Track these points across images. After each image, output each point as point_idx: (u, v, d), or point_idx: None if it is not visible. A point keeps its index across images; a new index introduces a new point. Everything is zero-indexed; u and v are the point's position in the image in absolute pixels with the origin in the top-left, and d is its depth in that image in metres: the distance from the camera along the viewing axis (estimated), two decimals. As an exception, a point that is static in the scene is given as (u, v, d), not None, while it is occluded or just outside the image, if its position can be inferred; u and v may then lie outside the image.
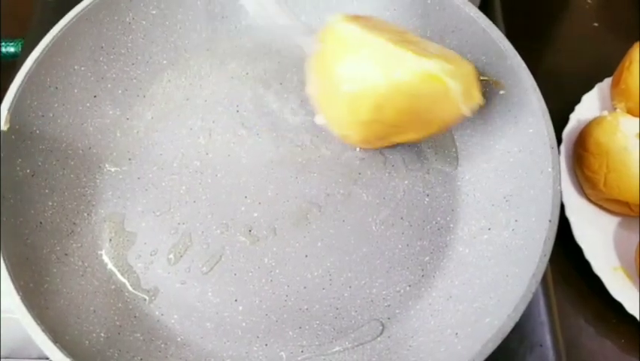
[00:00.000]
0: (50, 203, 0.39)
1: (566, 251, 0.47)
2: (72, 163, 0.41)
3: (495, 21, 0.42)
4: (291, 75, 0.46)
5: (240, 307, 0.37)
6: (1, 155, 0.36)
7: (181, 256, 0.39)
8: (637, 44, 0.51)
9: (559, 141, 0.48)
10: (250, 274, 0.38)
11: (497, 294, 0.35)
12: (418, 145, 0.43)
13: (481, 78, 0.40)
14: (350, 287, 0.38)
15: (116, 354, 0.34)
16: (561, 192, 0.43)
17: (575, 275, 0.47)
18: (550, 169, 0.36)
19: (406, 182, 0.42)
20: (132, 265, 0.38)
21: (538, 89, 0.38)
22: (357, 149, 0.43)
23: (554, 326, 0.42)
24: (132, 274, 0.38)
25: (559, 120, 0.49)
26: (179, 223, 0.40)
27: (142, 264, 0.38)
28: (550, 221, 0.34)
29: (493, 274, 0.36)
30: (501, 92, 0.40)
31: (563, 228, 0.44)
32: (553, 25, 0.63)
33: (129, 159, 0.42)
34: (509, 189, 0.39)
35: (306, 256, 0.39)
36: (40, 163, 0.39)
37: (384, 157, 0.43)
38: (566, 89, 0.53)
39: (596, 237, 0.47)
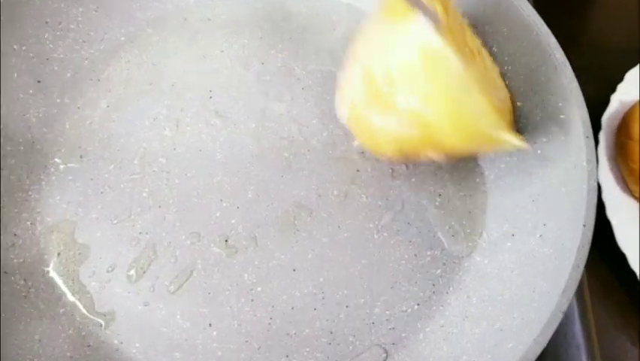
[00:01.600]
0: (-14, 210, 0.38)
1: (606, 259, 0.47)
2: (12, 162, 0.40)
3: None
4: (276, 53, 0.45)
5: (215, 333, 0.37)
6: None
7: (144, 273, 0.39)
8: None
9: (597, 127, 0.48)
10: (227, 292, 0.38)
11: (522, 313, 0.35)
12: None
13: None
14: (347, 307, 0.38)
15: (67, 391, 0.34)
16: (599, 189, 0.43)
17: (616, 288, 0.47)
18: (584, 162, 0.36)
19: (414, 180, 0.42)
20: (85, 284, 0.38)
21: (569, 66, 0.38)
22: (357, 141, 0.43)
23: (592, 350, 0.42)
24: (85, 295, 0.38)
25: (597, 103, 0.49)
26: (140, 233, 0.40)
27: (97, 282, 0.38)
28: (584, 225, 0.34)
29: (518, 288, 0.36)
30: (518, 104, 0.41)
31: (603, 232, 0.44)
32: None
33: (80, 156, 0.42)
34: (536, 187, 0.39)
35: (294, 270, 0.39)
36: (-28, 162, 0.39)
37: (387, 150, 0.43)
38: (606, 66, 0.52)
39: (643, 242, 0.47)
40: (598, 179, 0.48)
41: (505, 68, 0.42)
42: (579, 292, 0.43)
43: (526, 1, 0.40)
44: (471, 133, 0.34)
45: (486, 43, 0.42)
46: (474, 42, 0.39)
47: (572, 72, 0.38)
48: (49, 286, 0.38)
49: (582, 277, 0.42)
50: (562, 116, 0.38)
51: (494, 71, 0.40)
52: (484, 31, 0.43)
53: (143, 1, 0.46)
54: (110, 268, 0.39)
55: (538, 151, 0.39)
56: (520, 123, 0.41)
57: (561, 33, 0.40)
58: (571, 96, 0.37)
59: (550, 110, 0.39)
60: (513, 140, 0.34)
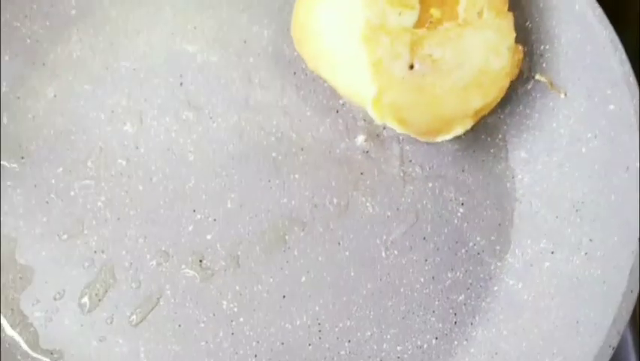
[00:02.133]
0: None
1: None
2: (-63, 165, 0.41)
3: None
4: (261, 29, 0.46)
5: (188, 374, 0.38)
6: None
7: (99, 301, 0.39)
8: None
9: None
10: (201, 324, 0.38)
11: (563, 349, 0.35)
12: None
13: (537, 78, 0.42)
14: (349, 342, 0.39)
15: None
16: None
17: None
18: (638, 164, 0.36)
19: (430, 185, 0.42)
20: (27, 315, 0.38)
21: (620, 45, 0.38)
22: (361, 138, 0.43)
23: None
24: (27, 328, 0.38)
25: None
26: (95, 252, 0.40)
27: (42, 313, 0.38)
28: (639, 241, 0.34)
29: (558, 319, 0.37)
30: (562, 95, 0.41)
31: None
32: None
33: (22, 158, 0.42)
34: (580, 195, 0.39)
35: (284, 296, 0.39)
36: None
37: (399, 148, 0.43)
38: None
39: None
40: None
41: (542, 47, 0.42)
42: (632, 324, 0.43)
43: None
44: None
45: (517, 18, 0.43)
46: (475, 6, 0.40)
47: (624, 52, 0.38)
48: (-17, 318, 0.38)
49: (637, 303, 0.43)
50: (611, 107, 0.38)
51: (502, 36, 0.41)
52: (516, 3, 0.43)
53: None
54: (58, 295, 0.39)
55: (583, 150, 0.40)
56: (560, 115, 0.41)
57: (611, 5, 0.41)
58: (622, 82, 0.38)
59: (596, 99, 0.39)
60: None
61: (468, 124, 0.40)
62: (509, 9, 0.40)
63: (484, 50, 0.39)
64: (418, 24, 0.39)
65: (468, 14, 0.39)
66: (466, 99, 0.39)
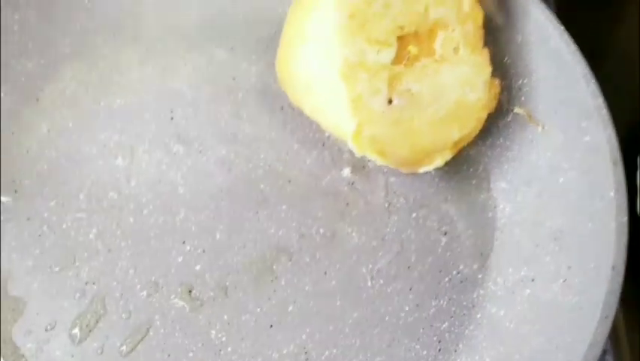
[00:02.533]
0: None
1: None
2: None
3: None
4: (249, 66, 0.47)
5: (177, 404, 0.38)
6: None
7: (90, 331, 0.39)
8: None
9: (637, 148, 0.49)
10: (190, 354, 0.39)
11: (543, 374, 0.36)
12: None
13: (516, 111, 0.44)
14: (336, 370, 0.39)
15: None
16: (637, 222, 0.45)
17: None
18: (612, 193, 0.37)
19: (414, 215, 0.43)
20: (19, 346, 0.39)
21: (593, 80, 0.40)
22: (346, 170, 0.44)
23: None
24: (20, 359, 0.39)
25: (636, 119, 0.51)
26: (87, 283, 0.40)
27: (33, 343, 0.39)
28: (613, 268, 0.35)
29: (538, 344, 0.37)
30: (540, 128, 0.43)
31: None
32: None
33: (15, 191, 0.43)
34: (559, 223, 0.40)
35: (272, 326, 0.40)
36: None
37: (384, 180, 0.44)
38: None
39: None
40: (638, 211, 0.49)
41: (520, 81, 0.44)
42: (615, 344, 0.44)
43: (544, 6, 0.42)
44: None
45: (496, 53, 0.44)
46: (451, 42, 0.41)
47: (597, 86, 0.40)
48: (-24, 350, 0.39)
49: (618, 325, 0.44)
50: (586, 139, 0.40)
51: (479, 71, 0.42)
52: (495, 39, 0.44)
53: (90, 5, 0.47)
54: (50, 326, 0.39)
55: (561, 180, 0.41)
56: (539, 147, 0.43)
57: (588, 42, 0.42)
58: (595, 115, 0.39)
59: (572, 131, 0.41)
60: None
61: (447, 155, 0.41)
62: (485, 45, 0.42)
63: (460, 85, 0.40)
64: (396, 60, 0.40)
65: (444, 51, 0.41)
66: (444, 131, 0.40)
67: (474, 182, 0.45)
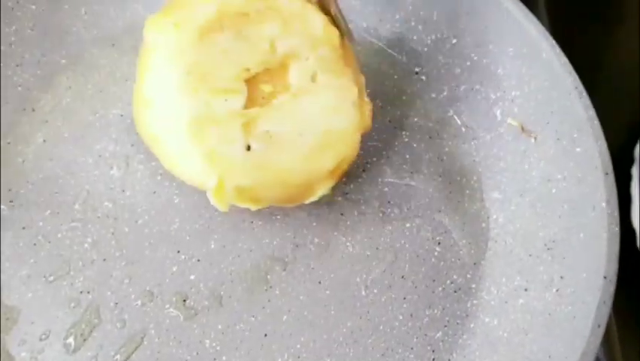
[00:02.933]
0: None
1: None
2: None
3: (531, 4, 0.44)
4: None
5: (171, 413, 0.38)
6: None
7: (85, 340, 0.39)
8: None
9: (630, 160, 0.50)
10: (185, 363, 0.39)
11: (536, 383, 0.36)
12: (422, 173, 0.45)
13: (509, 122, 0.44)
14: (330, 379, 0.39)
15: None
16: (633, 234, 0.45)
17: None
18: (603, 204, 0.38)
19: (408, 225, 0.44)
20: (14, 355, 0.39)
21: (584, 91, 0.41)
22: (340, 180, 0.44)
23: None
24: (13, 368, 0.39)
25: (630, 134, 0.51)
26: (81, 292, 0.41)
27: (27, 353, 0.39)
28: (605, 277, 0.36)
29: (532, 353, 0.38)
30: (532, 140, 0.43)
31: None
32: (611, 7, 0.66)
33: (10, 201, 0.43)
34: (552, 233, 0.41)
35: (266, 335, 0.40)
36: None
37: (378, 190, 0.45)
38: (637, 92, 0.55)
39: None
40: (632, 222, 0.50)
41: (513, 93, 0.44)
42: (608, 353, 0.44)
43: (535, 18, 0.43)
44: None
45: (489, 65, 0.45)
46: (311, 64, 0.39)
47: (588, 98, 0.40)
48: (-31, 359, 0.39)
49: (612, 334, 0.44)
50: (578, 150, 0.40)
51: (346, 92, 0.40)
52: (488, 51, 0.45)
53: (87, 17, 0.48)
54: (44, 336, 0.39)
55: (553, 190, 0.42)
56: (532, 157, 0.43)
57: (580, 54, 0.43)
58: (587, 126, 0.40)
59: (564, 142, 0.41)
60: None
61: (329, 184, 0.40)
62: (346, 64, 0.40)
63: (325, 113, 0.38)
64: (249, 104, 0.38)
65: (301, 82, 0.39)
66: (315, 163, 0.38)
67: (467, 192, 0.45)
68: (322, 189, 0.40)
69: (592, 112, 0.40)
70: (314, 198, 0.40)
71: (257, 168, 0.37)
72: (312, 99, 0.39)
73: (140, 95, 0.38)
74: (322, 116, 0.39)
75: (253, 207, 0.39)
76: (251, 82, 0.38)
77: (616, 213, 0.37)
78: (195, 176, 0.38)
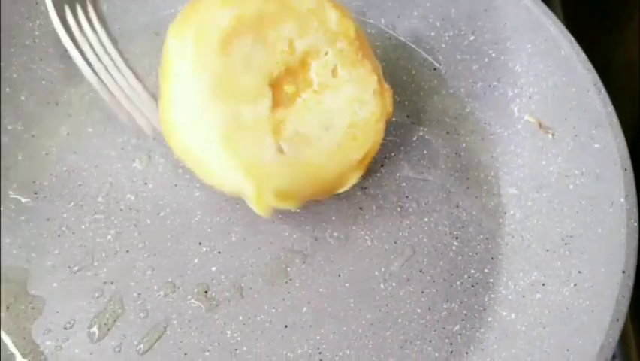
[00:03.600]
0: None
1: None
2: (-46, 199, 0.42)
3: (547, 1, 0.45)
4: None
5: (193, 402, 0.39)
6: None
7: (108, 330, 0.40)
8: None
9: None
10: (206, 353, 0.39)
11: (554, 376, 0.36)
12: (440, 168, 0.45)
13: (526, 119, 0.44)
14: (349, 370, 0.40)
15: None
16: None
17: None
18: (622, 199, 0.38)
19: (426, 219, 0.44)
20: (39, 344, 0.39)
21: (603, 88, 0.41)
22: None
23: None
24: (39, 356, 0.39)
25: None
26: (105, 283, 0.41)
27: (52, 341, 0.39)
28: (624, 272, 0.36)
29: (550, 347, 0.38)
30: (550, 136, 0.43)
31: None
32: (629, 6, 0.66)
33: (35, 193, 0.44)
34: (569, 229, 0.41)
35: (286, 326, 0.40)
36: None
37: (396, 185, 0.45)
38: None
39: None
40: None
41: (531, 89, 0.45)
42: (623, 348, 0.45)
43: (553, 15, 0.43)
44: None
45: (507, 62, 0.45)
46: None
47: (607, 94, 0.41)
48: (-5, 347, 0.39)
49: (627, 329, 0.44)
50: (596, 146, 0.40)
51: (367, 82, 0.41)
52: (506, 48, 0.45)
53: (111, 10, 0.48)
54: (69, 325, 0.40)
55: (570, 186, 0.42)
56: (549, 153, 0.43)
57: (595, 51, 0.43)
58: (605, 122, 0.40)
59: (582, 138, 0.41)
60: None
61: (358, 174, 0.41)
62: (364, 55, 0.41)
63: (348, 106, 0.39)
64: (275, 106, 0.38)
65: (322, 78, 0.39)
66: (344, 156, 0.39)
67: (485, 188, 0.45)
68: (353, 179, 0.41)
69: (610, 108, 0.40)
70: (346, 187, 0.41)
71: (291, 169, 0.38)
72: (334, 94, 0.39)
73: (167, 110, 0.39)
74: (346, 109, 0.39)
75: (294, 208, 0.40)
76: (275, 85, 0.38)
77: (635, 209, 0.37)
78: (233, 186, 0.39)
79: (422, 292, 0.42)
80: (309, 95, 0.39)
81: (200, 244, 0.42)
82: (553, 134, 0.43)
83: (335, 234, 0.43)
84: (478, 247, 0.43)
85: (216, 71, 0.37)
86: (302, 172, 0.38)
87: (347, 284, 0.42)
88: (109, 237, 0.42)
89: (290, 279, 0.42)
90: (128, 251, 0.42)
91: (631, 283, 0.36)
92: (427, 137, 0.47)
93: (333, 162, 0.39)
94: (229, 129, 0.37)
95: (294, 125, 0.38)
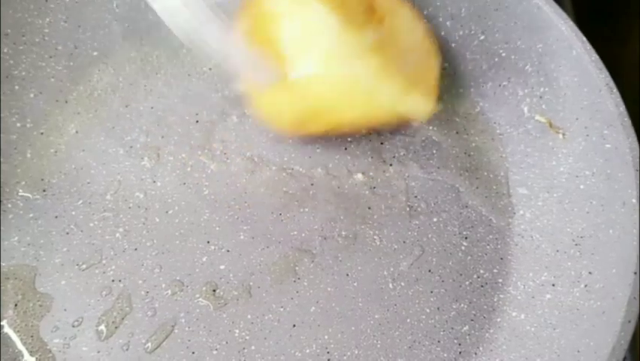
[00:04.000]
0: None
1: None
2: (-37, 196, 0.42)
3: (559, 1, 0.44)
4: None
5: (200, 401, 0.38)
6: None
7: (116, 328, 0.40)
8: None
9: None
10: (214, 352, 0.39)
11: (565, 377, 0.36)
12: (449, 168, 0.45)
13: (537, 119, 0.44)
14: (357, 370, 0.39)
15: None
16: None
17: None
18: (634, 200, 0.37)
19: (435, 219, 0.44)
20: (46, 342, 0.39)
21: (615, 88, 0.40)
22: (368, 174, 0.45)
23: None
24: (46, 354, 0.39)
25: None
26: (113, 281, 0.41)
27: (60, 339, 0.39)
28: (635, 273, 0.35)
29: (560, 348, 0.38)
30: (560, 136, 0.43)
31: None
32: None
33: (43, 190, 0.44)
34: (580, 229, 0.41)
35: (294, 325, 0.40)
36: None
37: (405, 184, 0.45)
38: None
39: None
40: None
41: (541, 89, 0.44)
42: (632, 347, 0.44)
43: (565, 14, 0.43)
44: (363, 99, 0.41)
45: (517, 61, 0.45)
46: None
47: (619, 94, 0.40)
48: (3, 345, 0.39)
49: (637, 333, 0.44)
50: (607, 146, 0.40)
51: (415, 34, 0.44)
52: (516, 48, 0.45)
53: (119, 10, 0.48)
54: (77, 323, 0.40)
55: (581, 186, 0.41)
56: (560, 154, 0.43)
57: (607, 51, 0.42)
58: (617, 122, 0.39)
59: (594, 138, 0.41)
60: (420, 104, 0.43)
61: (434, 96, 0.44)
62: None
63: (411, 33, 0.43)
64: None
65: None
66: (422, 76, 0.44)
67: (494, 188, 0.45)
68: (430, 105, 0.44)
69: (622, 108, 0.40)
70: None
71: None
72: (398, 22, 0.43)
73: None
74: (412, 37, 0.43)
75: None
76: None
77: (649, 209, 0.37)
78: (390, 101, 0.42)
79: (431, 292, 0.41)
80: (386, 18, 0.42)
81: (208, 242, 0.42)
82: (563, 134, 0.43)
83: (344, 233, 0.43)
84: (488, 247, 0.43)
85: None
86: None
87: (355, 284, 0.41)
88: (117, 235, 0.42)
89: (298, 278, 0.41)
90: (136, 249, 0.42)
91: (643, 284, 0.36)
92: (436, 137, 0.47)
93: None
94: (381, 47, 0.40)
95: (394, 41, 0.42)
